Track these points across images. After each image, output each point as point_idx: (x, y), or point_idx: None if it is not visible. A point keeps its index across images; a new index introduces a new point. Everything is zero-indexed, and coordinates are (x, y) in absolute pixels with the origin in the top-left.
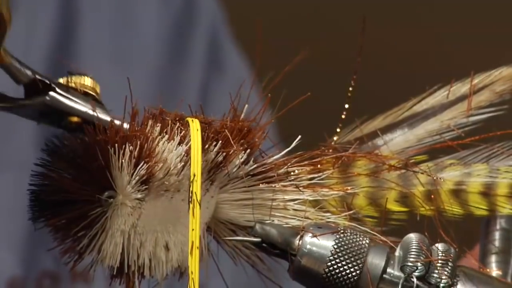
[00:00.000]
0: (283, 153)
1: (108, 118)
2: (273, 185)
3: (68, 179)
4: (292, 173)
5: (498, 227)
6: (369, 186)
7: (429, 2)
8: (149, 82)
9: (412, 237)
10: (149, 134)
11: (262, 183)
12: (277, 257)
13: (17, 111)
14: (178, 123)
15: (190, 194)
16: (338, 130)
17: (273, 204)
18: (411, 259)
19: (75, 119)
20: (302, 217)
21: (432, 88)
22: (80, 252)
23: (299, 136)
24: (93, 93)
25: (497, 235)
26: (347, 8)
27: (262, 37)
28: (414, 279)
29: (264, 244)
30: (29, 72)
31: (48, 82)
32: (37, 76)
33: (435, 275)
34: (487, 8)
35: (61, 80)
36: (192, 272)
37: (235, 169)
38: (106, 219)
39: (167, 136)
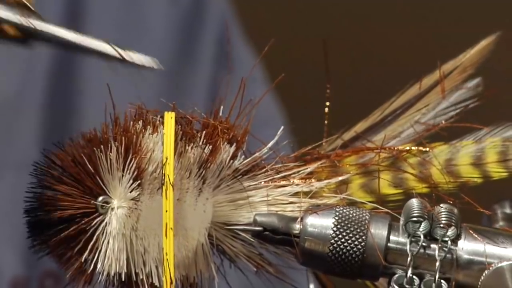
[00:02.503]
0: (269, 145)
1: (45, 26)
2: (267, 179)
3: (61, 195)
4: (283, 168)
5: (499, 210)
6: (360, 173)
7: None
8: (158, 80)
9: (413, 200)
10: (132, 130)
11: (254, 180)
12: (281, 244)
13: None
14: (159, 118)
15: (163, 177)
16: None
17: (269, 199)
18: (415, 214)
19: (7, 27)
20: (298, 207)
21: (405, 86)
22: (85, 268)
23: (282, 127)
24: (26, 2)
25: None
26: (357, 5)
27: (271, 34)
28: (421, 237)
29: (266, 232)
30: None
31: None
32: None
33: (440, 225)
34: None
35: None
36: (166, 253)
37: (224, 164)
38: (105, 225)
39: (150, 129)
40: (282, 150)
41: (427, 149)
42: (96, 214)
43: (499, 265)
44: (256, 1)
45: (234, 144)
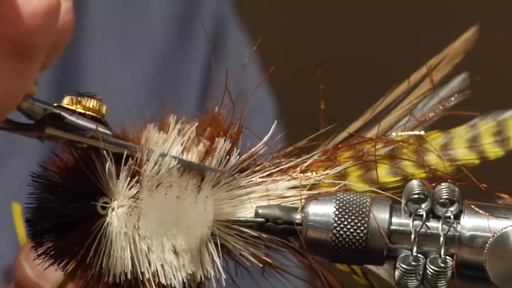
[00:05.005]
0: (264, 140)
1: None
2: (265, 175)
3: (60, 201)
4: (280, 162)
5: None
6: (357, 163)
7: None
8: (153, 62)
9: (413, 181)
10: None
11: (253, 176)
12: (284, 234)
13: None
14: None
15: None
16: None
17: (269, 194)
18: (416, 192)
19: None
20: (299, 200)
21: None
22: (91, 272)
23: (276, 121)
24: (99, 116)
25: None
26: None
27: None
28: (423, 214)
29: (268, 223)
30: (41, 109)
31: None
32: (48, 110)
33: (441, 200)
34: None
35: (66, 101)
36: None
37: (221, 160)
38: (107, 225)
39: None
40: (277, 144)
41: (422, 133)
42: (97, 216)
43: (504, 230)
44: None
45: (229, 140)
